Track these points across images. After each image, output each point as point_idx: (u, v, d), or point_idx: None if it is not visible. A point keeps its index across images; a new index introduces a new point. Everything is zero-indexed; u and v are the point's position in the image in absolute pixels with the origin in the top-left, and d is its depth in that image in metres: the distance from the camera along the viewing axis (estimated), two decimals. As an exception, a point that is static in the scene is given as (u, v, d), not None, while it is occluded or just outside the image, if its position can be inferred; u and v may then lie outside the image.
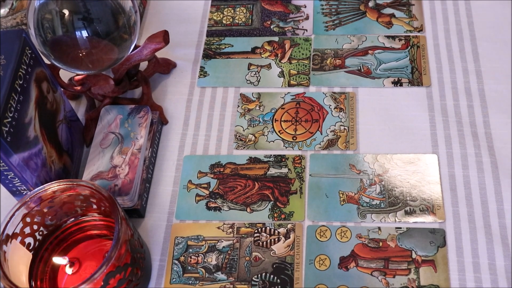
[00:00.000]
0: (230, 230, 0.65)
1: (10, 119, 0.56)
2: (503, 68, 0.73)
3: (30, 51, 0.60)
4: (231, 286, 0.61)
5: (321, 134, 0.70)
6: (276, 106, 0.74)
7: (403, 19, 0.79)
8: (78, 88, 0.71)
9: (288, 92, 0.75)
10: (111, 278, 0.53)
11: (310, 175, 0.68)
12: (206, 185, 0.68)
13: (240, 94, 0.75)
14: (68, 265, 0.60)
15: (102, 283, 0.53)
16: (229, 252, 0.63)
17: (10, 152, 0.56)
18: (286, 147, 0.70)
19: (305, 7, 0.83)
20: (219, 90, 0.76)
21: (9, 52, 0.58)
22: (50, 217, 0.60)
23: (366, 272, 0.60)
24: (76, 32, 0.63)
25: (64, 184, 0.57)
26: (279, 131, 0.71)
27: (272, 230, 0.64)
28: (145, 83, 0.75)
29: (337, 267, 0.61)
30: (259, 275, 0.61)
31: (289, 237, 0.63)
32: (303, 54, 0.78)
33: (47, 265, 0.61)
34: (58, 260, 0.60)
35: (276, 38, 0.80)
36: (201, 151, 0.71)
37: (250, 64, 0.78)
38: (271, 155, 0.70)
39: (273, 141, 0.71)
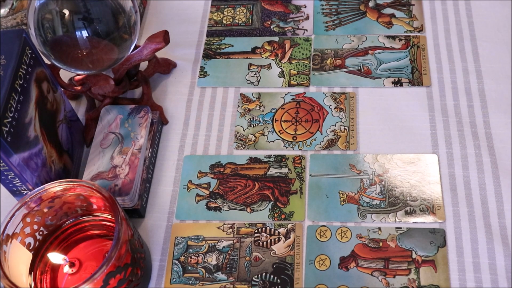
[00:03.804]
0: (230, 230, 0.65)
1: (10, 119, 0.56)
2: (503, 68, 0.73)
3: (30, 51, 0.60)
4: (231, 286, 0.61)
5: (321, 134, 0.70)
6: (276, 106, 0.74)
7: (403, 19, 0.80)
8: (78, 88, 0.71)
9: (288, 92, 0.75)
10: (111, 278, 0.53)
11: (310, 175, 0.67)
12: (206, 185, 0.68)
13: (240, 94, 0.75)
14: (67, 265, 0.60)
15: (102, 283, 0.53)
16: (229, 252, 0.63)
17: (10, 152, 0.56)
18: (286, 147, 0.70)
19: (305, 7, 0.83)
20: (219, 90, 0.76)
21: (9, 52, 0.58)
22: (50, 217, 0.60)
23: (366, 272, 0.60)
24: (76, 32, 0.63)
25: (64, 184, 0.57)
26: (279, 131, 0.71)
27: (272, 230, 0.64)
28: (145, 83, 0.75)
29: (337, 267, 0.61)
30: (259, 275, 0.61)
31: (289, 237, 0.63)
32: (303, 54, 0.78)
33: (47, 265, 0.61)
34: (54, 256, 0.60)
35: (276, 38, 0.80)
36: (201, 151, 0.71)
37: (250, 64, 0.78)
38: (271, 155, 0.70)
39: (273, 141, 0.71)
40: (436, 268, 0.60)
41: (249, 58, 0.78)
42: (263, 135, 0.71)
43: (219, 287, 0.61)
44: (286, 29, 0.81)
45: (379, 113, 0.72)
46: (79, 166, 0.71)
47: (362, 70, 0.75)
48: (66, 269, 0.60)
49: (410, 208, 0.64)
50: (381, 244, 0.62)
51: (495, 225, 0.62)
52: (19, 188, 0.61)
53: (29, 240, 0.59)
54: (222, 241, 0.64)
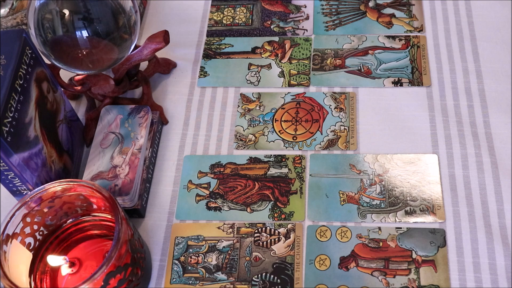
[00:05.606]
0: (230, 230, 0.65)
1: (10, 119, 0.56)
2: (503, 68, 0.73)
3: (30, 51, 0.60)
4: (231, 286, 0.61)
5: (321, 134, 0.70)
6: (276, 106, 0.74)
7: (403, 19, 0.80)
8: (78, 88, 0.71)
9: (288, 92, 0.75)
10: (111, 278, 0.53)
11: (310, 175, 0.68)
12: (206, 185, 0.68)
13: (240, 94, 0.75)
14: (67, 265, 0.60)
15: (102, 283, 0.53)
16: (229, 252, 0.63)
17: (10, 152, 0.56)
18: (286, 147, 0.70)
19: (305, 7, 0.83)
20: (219, 90, 0.76)
21: (10, 52, 0.58)
22: (50, 217, 0.60)
23: (366, 272, 0.60)
24: (76, 32, 0.63)
25: (64, 184, 0.57)
26: (279, 131, 0.71)
27: (272, 230, 0.64)
28: (145, 83, 0.75)
29: (337, 267, 0.61)
30: (259, 275, 0.61)
31: (289, 237, 0.63)
32: (303, 54, 0.78)
33: (47, 265, 0.61)
34: (53, 259, 0.60)
35: (276, 38, 0.80)
36: (201, 151, 0.71)
37: (250, 64, 0.78)
38: (271, 155, 0.70)
39: (273, 141, 0.71)
40: (436, 268, 0.60)
41: (249, 58, 0.78)
42: (263, 135, 0.71)
43: (219, 287, 0.61)
44: (286, 29, 0.81)
45: (379, 113, 0.72)
46: (79, 166, 0.71)
47: (362, 70, 0.75)
48: (66, 269, 0.60)
49: (410, 208, 0.64)
50: (381, 244, 0.62)
51: (495, 225, 0.62)
52: (19, 188, 0.61)
53: (29, 240, 0.59)
54: (222, 241, 0.64)
